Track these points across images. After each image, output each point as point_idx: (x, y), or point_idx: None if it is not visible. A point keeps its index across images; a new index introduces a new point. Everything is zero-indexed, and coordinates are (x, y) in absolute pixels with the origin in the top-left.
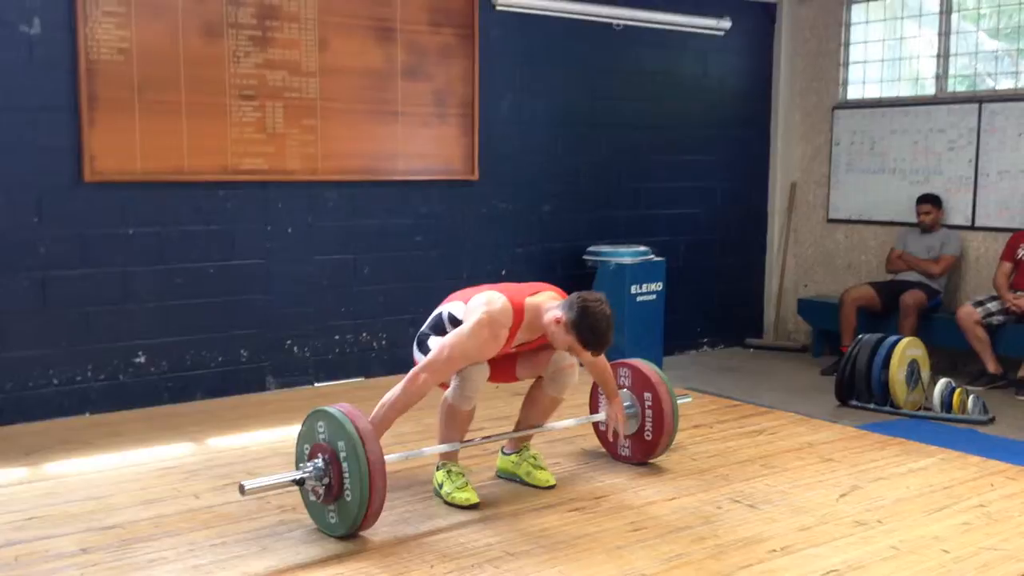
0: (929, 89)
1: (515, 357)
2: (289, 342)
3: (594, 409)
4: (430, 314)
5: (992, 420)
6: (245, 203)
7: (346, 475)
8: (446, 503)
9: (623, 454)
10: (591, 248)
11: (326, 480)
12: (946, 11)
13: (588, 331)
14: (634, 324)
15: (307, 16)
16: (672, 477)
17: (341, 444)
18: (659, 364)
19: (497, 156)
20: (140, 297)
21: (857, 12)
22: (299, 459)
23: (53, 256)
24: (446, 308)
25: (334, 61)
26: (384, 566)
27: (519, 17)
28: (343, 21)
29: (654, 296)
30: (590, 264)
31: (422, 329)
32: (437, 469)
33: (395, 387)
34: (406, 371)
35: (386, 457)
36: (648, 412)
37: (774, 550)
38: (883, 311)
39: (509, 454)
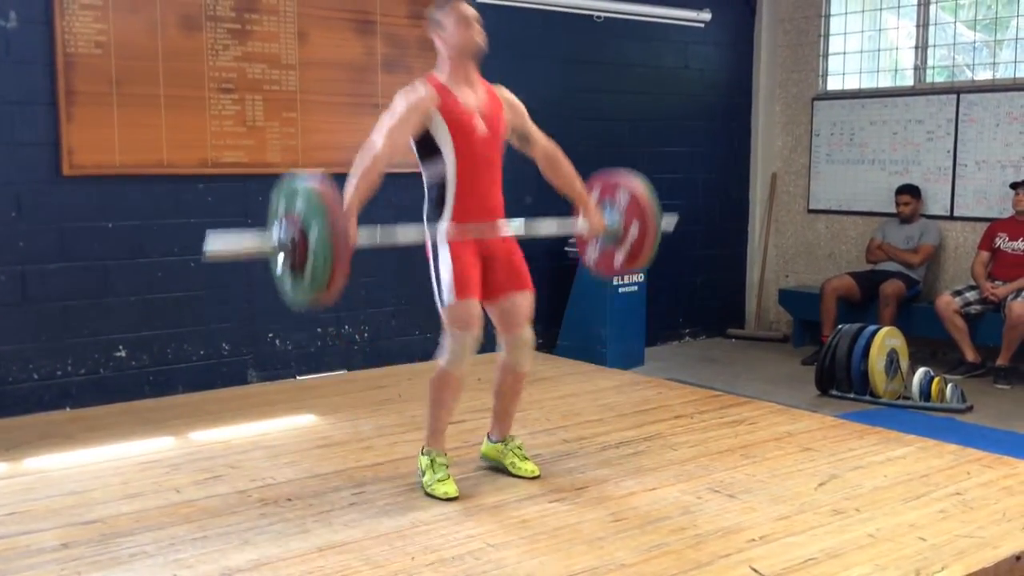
0: (908, 80)
1: (505, 291)
2: (271, 335)
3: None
4: (412, 307)
5: (970, 408)
6: (225, 196)
7: (310, 234)
8: (425, 493)
9: (618, 267)
10: (573, 240)
11: (290, 243)
12: (924, 2)
13: (436, 5)
14: (616, 315)
15: (286, 9)
16: (652, 468)
17: (300, 205)
18: (641, 355)
19: None
20: (120, 291)
21: (836, 3)
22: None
23: (32, 250)
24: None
25: (314, 54)
26: (365, 558)
27: (500, 9)
28: (322, 14)
29: (636, 287)
30: (571, 256)
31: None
32: (423, 453)
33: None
34: (388, 363)
35: (360, 234)
36: (627, 214)
37: (753, 539)
38: (863, 301)
39: (495, 442)
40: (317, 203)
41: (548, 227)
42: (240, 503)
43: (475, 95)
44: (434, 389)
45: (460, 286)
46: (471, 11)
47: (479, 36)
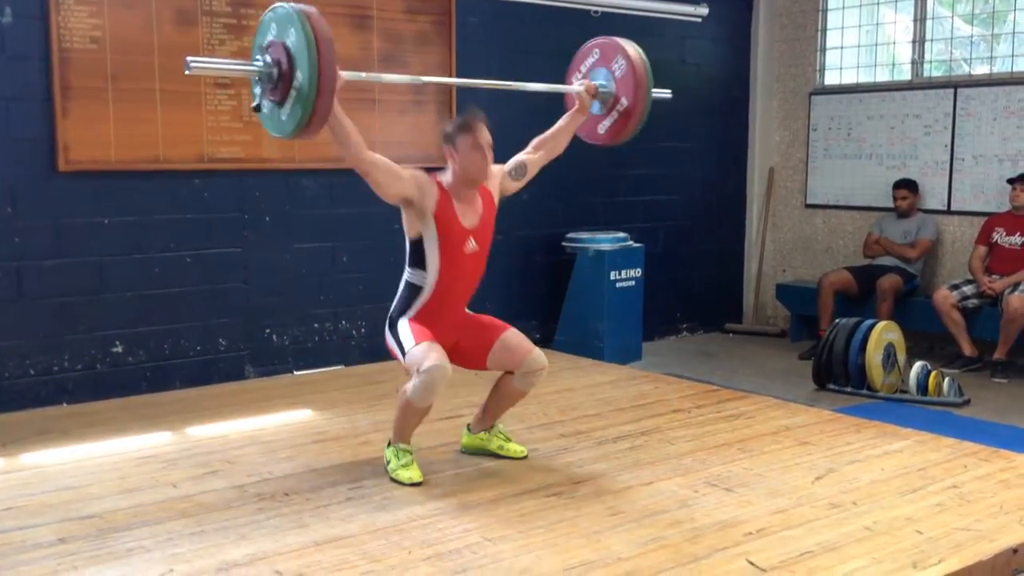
0: (905, 74)
1: (487, 345)
2: (268, 330)
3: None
4: None
5: (967, 402)
6: (222, 192)
7: (294, 54)
8: (391, 480)
9: (601, 133)
10: (570, 235)
11: (276, 70)
12: None
13: (458, 125)
14: (613, 310)
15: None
16: (650, 461)
17: (289, 28)
18: (639, 350)
19: None
20: (117, 287)
21: None
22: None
23: (28, 246)
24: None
25: None
26: (362, 552)
27: (496, 4)
28: (319, 8)
29: (633, 282)
30: (569, 251)
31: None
32: (387, 446)
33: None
34: (385, 359)
35: (342, 72)
36: (620, 79)
37: (750, 533)
38: (860, 295)
39: (477, 432)
40: (305, 27)
41: (538, 86)
42: (237, 498)
43: (474, 211)
44: (401, 410)
45: (418, 334)
46: (485, 139)
47: (487, 165)
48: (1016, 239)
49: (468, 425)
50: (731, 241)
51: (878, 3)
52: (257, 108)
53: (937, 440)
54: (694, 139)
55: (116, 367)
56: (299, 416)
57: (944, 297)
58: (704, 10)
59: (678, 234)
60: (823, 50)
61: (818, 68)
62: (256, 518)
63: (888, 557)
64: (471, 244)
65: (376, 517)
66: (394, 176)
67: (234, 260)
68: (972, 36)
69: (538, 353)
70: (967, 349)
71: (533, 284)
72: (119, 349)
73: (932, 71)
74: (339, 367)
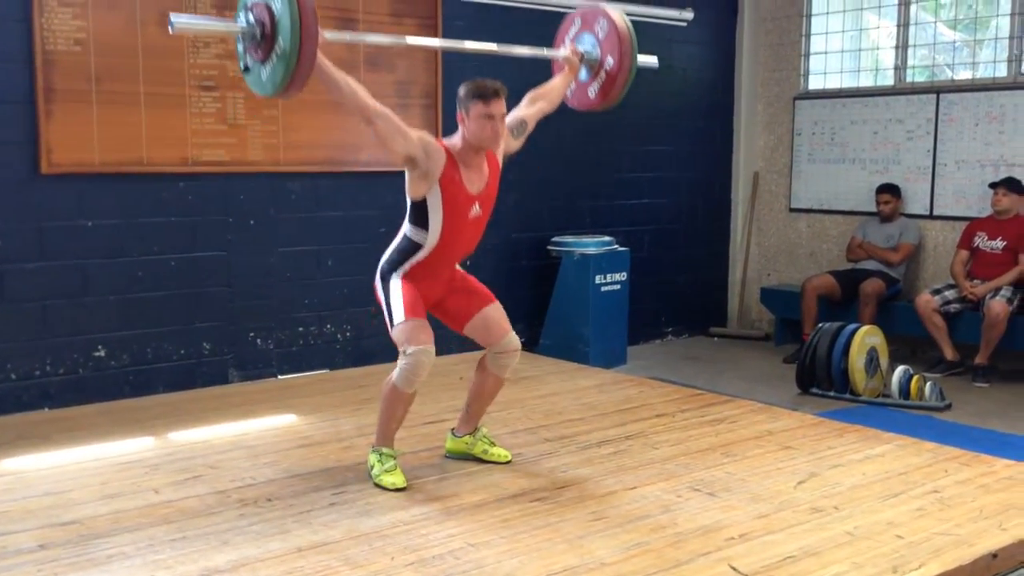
0: (888, 80)
1: (470, 313)
2: (252, 334)
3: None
4: None
5: (948, 406)
6: (206, 195)
7: (277, 14)
8: (375, 485)
9: (591, 97)
10: (555, 239)
11: (259, 29)
12: (905, 2)
13: (471, 89)
14: (599, 314)
15: None
16: (634, 466)
17: None
18: (623, 354)
19: None
20: (100, 290)
21: (818, 3)
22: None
23: (10, 249)
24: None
25: None
26: (344, 558)
27: (482, 8)
28: None
29: (619, 286)
30: (554, 255)
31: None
32: (371, 451)
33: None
34: (370, 363)
35: (327, 34)
36: (604, 40)
37: (732, 537)
38: (844, 299)
39: (461, 436)
40: None
41: (524, 50)
42: (219, 503)
43: (480, 177)
44: (385, 402)
45: (409, 307)
46: (497, 110)
47: (496, 135)
48: (998, 243)
49: (452, 429)
50: (716, 245)
51: (862, 9)
52: (245, 69)
53: (918, 444)
54: (679, 143)
55: (99, 371)
56: (283, 421)
57: (926, 302)
58: (689, 15)
59: (663, 238)
60: (807, 55)
61: (802, 73)
62: (239, 524)
63: (869, 562)
64: (475, 209)
65: (359, 523)
66: (401, 132)
67: (218, 263)
68: (955, 42)
69: (514, 336)
70: (949, 353)
71: (518, 288)
72: (102, 353)
73: (915, 76)
74: (324, 371)
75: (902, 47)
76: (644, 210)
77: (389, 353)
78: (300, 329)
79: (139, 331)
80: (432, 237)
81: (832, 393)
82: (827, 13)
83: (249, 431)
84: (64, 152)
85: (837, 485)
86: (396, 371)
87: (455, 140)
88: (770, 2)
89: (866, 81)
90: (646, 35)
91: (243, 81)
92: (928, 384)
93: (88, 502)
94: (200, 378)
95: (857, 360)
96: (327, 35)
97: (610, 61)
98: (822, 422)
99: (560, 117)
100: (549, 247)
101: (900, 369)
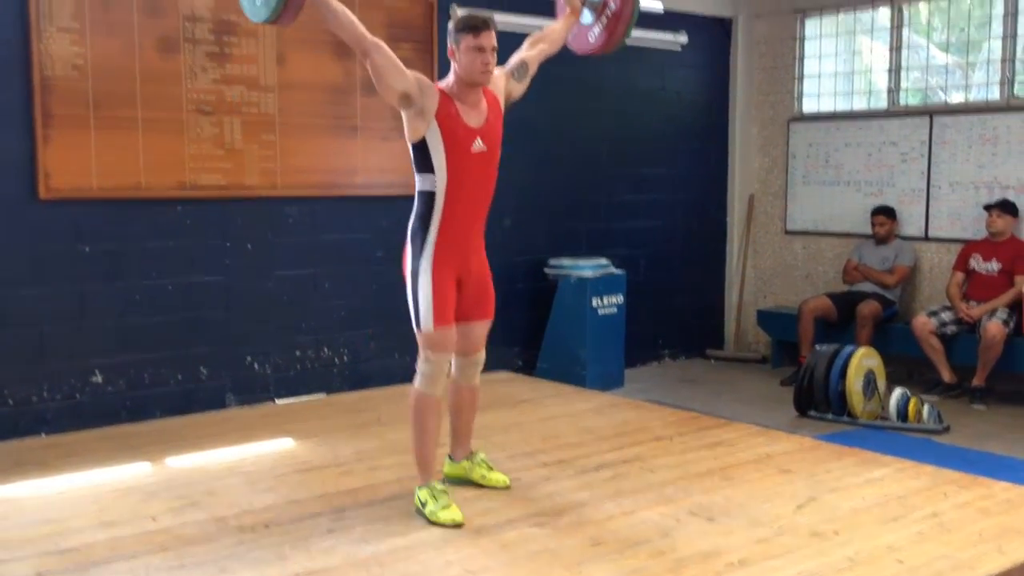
0: (882, 102)
1: (470, 318)
2: (249, 359)
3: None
4: (391, 329)
5: (947, 429)
6: (204, 219)
7: None
8: (430, 522)
9: (592, 41)
10: (552, 261)
11: None
12: (898, 25)
13: (461, 22)
14: (596, 337)
15: (265, 31)
16: (632, 491)
17: None
18: (621, 377)
19: None
20: (97, 315)
21: (811, 26)
22: None
23: (7, 274)
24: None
25: (292, 76)
26: None
27: None
28: (301, 36)
29: (615, 309)
30: (551, 277)
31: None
32: (419, 487)
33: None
34: (368, 386)
35: None
36: None
37: (731, 563)
38: (840, 321)
39: (459, 461)
40: None
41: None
42: (217, 530)
43: (478, 113)
44: (416, 415)
45: (439, 314)
46: (487, 42)
47: (487, 68)
48: (993, 265)
49: (449, 454)
50: (712, 267)
51: (855, 32)
52: None
53: (917, 468)
54: (675, 166)
55: (96, 397)
56: (281, 446)
57: (923, 324)
58: (683, 38)
59: (659, 260)
60: (801, 78)
61: (796, 96)
62: (236, 551)
63: None
64: (478, 143)
65: (358, 549)
66: (397, 68)
67: (215, 288)
68: (948, 64)
69: (483, 354)
70: (946, 375)
71: (515, 311)
72: (99, 379)
73: (908, 99)
74: (321, 395)
75: (895, 70)
76: (640, 233)
77: (386, 376)
78: (297, 353)
79: (136, 356)
80: (440, 179)
81: (830, 416)
82: (820, 36)
83: (247, 456)
84: (62, 177)
85: (836, 509)
86: (417, 378)
87: (448, 79)
88: (764, 26)
89: (860, 104)
90: (641, 59)
91: (241, 106)
92: (926, 406)
93: (85, 529)
94: (197, 403)
95: (855, 382)
96: None
97: (612, 4)
98: (820, 445)
99: (555, 140)
100: (546, 270)
101: (898, 391)
